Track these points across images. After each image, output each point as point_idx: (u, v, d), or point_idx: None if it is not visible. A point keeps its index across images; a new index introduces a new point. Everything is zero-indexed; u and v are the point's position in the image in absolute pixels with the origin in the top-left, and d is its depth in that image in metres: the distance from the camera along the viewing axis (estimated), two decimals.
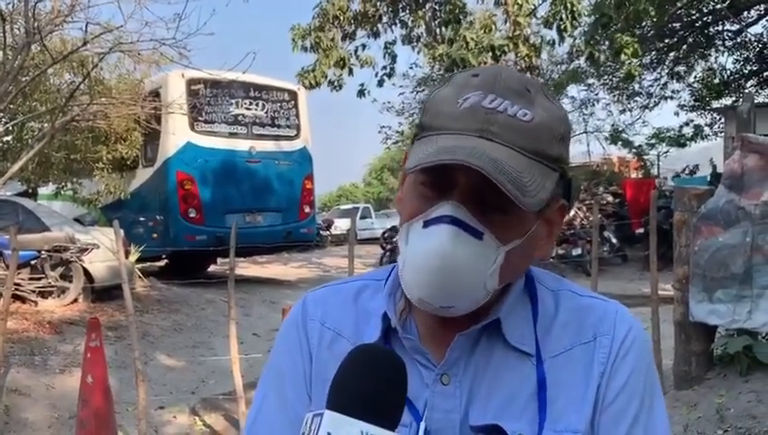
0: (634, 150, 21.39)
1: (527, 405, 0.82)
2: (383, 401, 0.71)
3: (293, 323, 0.93)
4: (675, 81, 18.91)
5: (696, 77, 18.95)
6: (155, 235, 11.03)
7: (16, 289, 6.81)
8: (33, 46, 7.01)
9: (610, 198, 15.02)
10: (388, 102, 20.97)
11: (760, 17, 15.98)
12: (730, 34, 17.14)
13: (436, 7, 13.21)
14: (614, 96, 20.22)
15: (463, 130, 0.78)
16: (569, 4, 11.00)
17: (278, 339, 0.95)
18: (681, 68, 18.33)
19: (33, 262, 7.65)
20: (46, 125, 8.04)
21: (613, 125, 21.56)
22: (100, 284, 8.35)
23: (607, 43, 12.61)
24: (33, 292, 7.69)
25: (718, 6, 15.28)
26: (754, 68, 17.51)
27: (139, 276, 9.80)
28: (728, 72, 18.14)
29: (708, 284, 4.51)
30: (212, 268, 12.45)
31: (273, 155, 11.69)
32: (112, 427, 4.59)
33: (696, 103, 19.67)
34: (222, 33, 7.77)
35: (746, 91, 16.30)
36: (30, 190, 11.63)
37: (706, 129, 20.43)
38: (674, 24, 15.85)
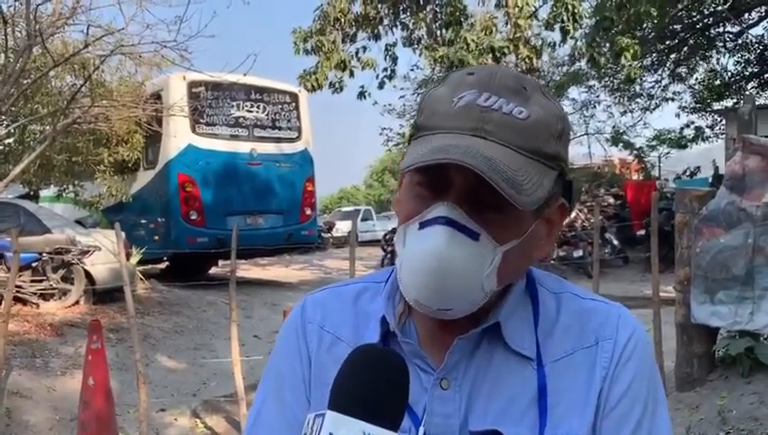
0: (635, 152, 21.38)
1: (528, 410, 0.81)
2: (385, 401, 0.70)
3: (293, 327, 0.92)
4: (676, 82, 18.92)
5: (696, 79, 18.96)
6: (156, 237, 11.04)
7: (18, 291, 6.81)
8: (35, 49, 7.02)
9: (611, 200, 15.01)
10: (389, 105, 20.98)
11: (761, 19, 15.99)
12: (731, 36, 17.15)
13: (437, 9, 13.22)
14: (615, 98, 20.22)
15: (457, 129, 0.77)
16: (570, 6, 11.00)
17: (278, 342, 0.94)
18: (682, 70, 18.34)
19: (34, 264, 7.66)
20: (48, 127, 8.04)
21: (614, 127, 21.56)
22: (101, 286, 8.35)
23: (608, 45, 12.61)
24: (35, 294, 7.69)
25: (719, 8, 15.28)
26: (755, 70, 17.51)
27: (141, 278, 9.81)
28: (729, 73, 18.15)
29: (710, 285, 4.51)
30: (213, 270, 12.44)
31: (274, 157, 11.69)
32: (113, 429, 4.59)
33: (697, 105, 19.68)
34: (223, 35, 7.77)
35: (747, 92, 16.30)
36: (31, 193, 11.64)
37: (707, 130, 20.44)
38: (675, 26, 15.86)
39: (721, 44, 17.39)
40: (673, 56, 17.51)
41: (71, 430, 5.04)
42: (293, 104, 12.04)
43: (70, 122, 7.90)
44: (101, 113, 8.65)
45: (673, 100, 19.80)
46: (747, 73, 17.76)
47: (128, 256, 7.92)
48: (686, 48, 17.13)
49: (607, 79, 18.51)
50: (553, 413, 0.81)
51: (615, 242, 13.14)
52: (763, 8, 15.28)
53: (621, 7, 11.72)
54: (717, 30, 16.93)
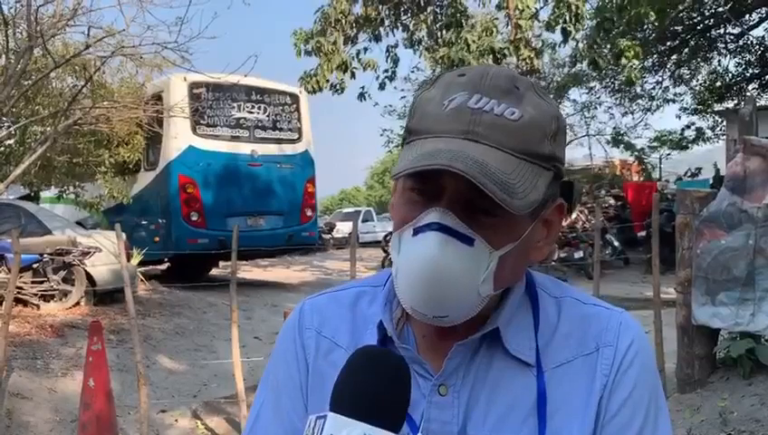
0: (636, 153, 21.39)
1: (527, 417, 0.80)
2: (386, 402, 0.70)
3: (290, 333, 0.92)
4: (677, 84, 18.92)
5: (697, 80, 18.96)
6: (157, 238, 11.05)
7: (18, 292, 6.82)
8: (36, 50, 7.02)
9: (612, 201, 15.02)
10: (390, 106, 21.02)
11: (761, 20, 15.99)
12: (732, 37, 17.15)
13: (438, 11, 13.23)
14: (616, 99, 20.24)
15: (448, 133, 0.76)
16: (573, 7, 11.00)
17: (275, 348, 0.94)
18: (683, 71, 18.34)
19: (35, 265, 7.66)
20: (49, 129, 8.04)
21: (615, 128, 21.57)
22: (102, 287, 8.35)
23: (608, 46, 12.61)
24: (36, 295, 7.70)
25: (720, 9, 15.28)
26: (756, 71, 17.51)
27: (141, 280, 9.81)
28: (730, 75, 18.15)
29: (711, 287, 4.50)
30: (214, 271, 12.45)
31: (274, 158, 11.70)
32: (114, 430, 4.59)
33: (698, 106, 19.69)
34: (224, 36, 7.76)
35: (748, 93, 16.31)
36: (32, 194, 11.66)
37: (708, 132, 20.46)
38: (675, 27, 15.86)
39: (722, 46, 17.40)
40: (674, 57, 17.51)
41: (71, 431, 5.04)
42: (294, 105, 12.05)
43: (71, 123, 7.90)
44: (102, 114, 8.65)
45: (674, 101, 19.83)
46: (748, 75, 17.77)
47: (128, 257, 7.92)
48: (686, 49, 17.12)
49: (608, 80, 18.53)
50: (553, 421, 0.80)
51: (616, 243, 13.15)
52: (764, 9, 15.28)
53: (622, 9, 11.73)
54: (718, 31, 16.93)
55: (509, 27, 12.60)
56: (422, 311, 0.78)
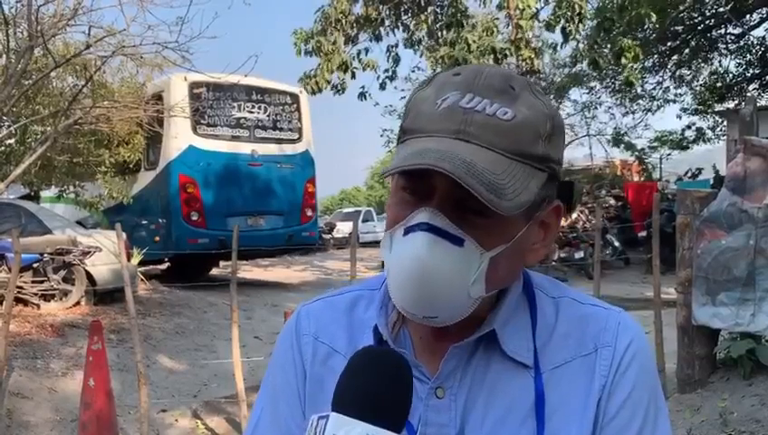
0: (636, 154, 21.39)
1: (525, 419, 0.80)
2: (387, 402, 0.70)
3: (287, 339, 0.92)
4: (677, 84, 18.92)
5: (698, 80, 18.96)
6: (157, 238, 11.05)
7: (19, 292, 6.82)
8: (36, 50, 7.02)
9: (613, 202, 15.03)
10: (390, 105, 21.02)
11: (762, 20, 15.98)
12: (732, 38, 17.14)
13: (438, 10, 13.22)
14: (616, 99, 20.23)
15: (440, 133, 0.75)
16: (576, 7, 10.99)
17: (273, 355, 0.94)
18: (684, 71, 18.34)
19: (35, 265, 7.66)
20: (49, 128, 8.04)
21: (615, 128, 21.57)
22: (102, 287, 8.35)
23: (609, 46, 12.62)
24: (36, 295, 7.70)
25: (720, 10, 15.27)
26: (757, 71, 17.51)
27: (142, 279, 9.81)
28: (731, 75, 18.14)
29: (711, 287, 4.50)
30: (214, 271, 12.45)
31: (275, 158, 11.71)
32: (114, 430, 4.59)
33: (699, 107, 19.68)
34: (224, 36, 7.76)
35: (749, 94, 16.30)
36: (33, 193, 11.65)
37: (709, 132, 20.45)
38: (676, 28, 15.85)
39: (722, 46, 17.39)
40: (674, 58, 17.51)
41: (71, 431, 5.04)
42: (294, 105, 12.06)
43: (71, 123, 7.90)
44: (103, 114, 8.65)
45: (674, 101, 19.82)
46: (749, 75, 17.76)
47: (128, 256, 7.92)
48: (687, 50, 17.12)
49: (608, 80, 18.52)
50: (551, 422, 0.79)
51: (616, 243, 13.15)
52: (765, 10, 15.28)
53: (623, 9, 11.73)
54: (719, 32, 16.92)
55: (509, 27, 12.60)
56: (412, 311, 0.77)
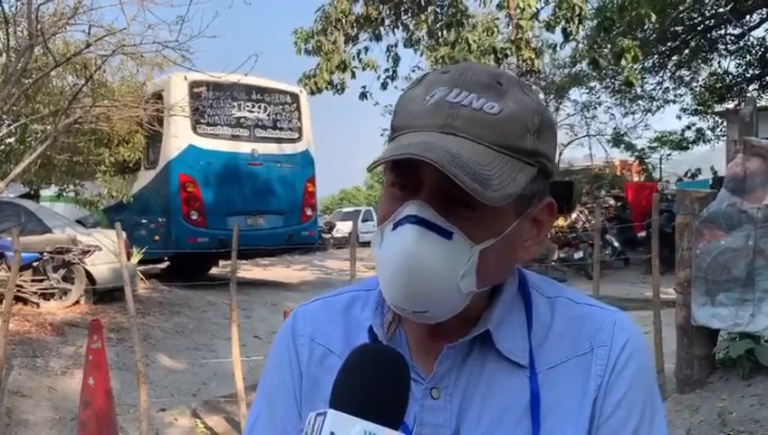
0: (636, 154, 21.41)
1: (521, 419, 0.79)
2: (385, 398, 0.70)
3: (284, 340, 0.92)
4: (677, 84, 18.93)
5: (698, 81, 18.97)
6: (157, 237, 11.05)
7: (18, 291, 6.82)
8: (37, 49, 7.02)
9: (612, 202, 15.03)
10: (390, 105, 20.99)
11: (762, 21, 15.98)
12: (732, 38, 17.15)
13: (438, 10, 13.22)
14: (616, 99, 20.25)
15: (427, 127, 0.76)
16: (577, 8, 10.99)
17: (270, 355, 0.94)
18: (683, 72, 18.34)
19: (35, 264, 7.66)
20: (49, 127, 8.04)
21: (615, 128, 21.61)
22: (101, 286, 8.35)
23: (609, 46, 12.62)
24: (35, 293, 7.70)
25: (720, 10, 15.28)
26: (756, 72, 17.51)
27: (141, 278, 9.81)
28: (730, 75, 18.14)
29: (710, 287, 4.51)
30: (214, 270, 12.45)
31: (275, 157, 11.70)
32: (113, 429, 4.59)
33: (699, 107, 19.69)
34: (224, 35, 7.77)
35: (748, 94, 16.31)
36: (32, 192, 11.66)
37: (709, 132, 20.47)
38: (676, 28, 15.86)
39: (722, 46, 17.39)
40: (674, 58, 17.51)
41: (71, 430, 5.04)
42: (294, 105, 12.06)
43: (71, 122, 7.90)
44: (103, 113, 8.65)
45: (674, 102, 19.84)
46: (748, 75, 17.76)
47: (128, 255, 7.92)
48: (687, 50, 17.12)
49: (608, 80, 18.53)
50: (546, 422, 0.79)
51: (616, 243, 13.15)
52: (765, 10, 15.28)
53: (623, 9, 11.73)
54: (719, 32, 16.93)
55: (510, 27, 12.60)
56: (401, 305, 0.77)
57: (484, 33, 11.91)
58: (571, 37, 11.75)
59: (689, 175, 16.41)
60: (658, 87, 18.99)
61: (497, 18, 12.83)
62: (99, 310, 8.01)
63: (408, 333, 0.85)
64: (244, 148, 11.40)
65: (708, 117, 19.97)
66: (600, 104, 21.27)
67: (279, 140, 11.87)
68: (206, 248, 10.43)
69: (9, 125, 8.49)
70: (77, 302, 8.05)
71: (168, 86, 10.55)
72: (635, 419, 0.80)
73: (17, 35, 7.47)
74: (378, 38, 13.19)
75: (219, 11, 7.26)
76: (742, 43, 17.21)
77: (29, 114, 8.63)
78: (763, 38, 17.02)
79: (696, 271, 4.59)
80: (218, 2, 7.52)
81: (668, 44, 16.61)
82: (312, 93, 12.55)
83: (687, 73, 18.50)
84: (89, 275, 8.19)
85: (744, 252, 4.38)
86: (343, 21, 12.53)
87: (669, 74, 18.30)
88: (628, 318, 0.87)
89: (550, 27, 11.92)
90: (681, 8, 14.73)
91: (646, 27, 13.99)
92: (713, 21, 16.19)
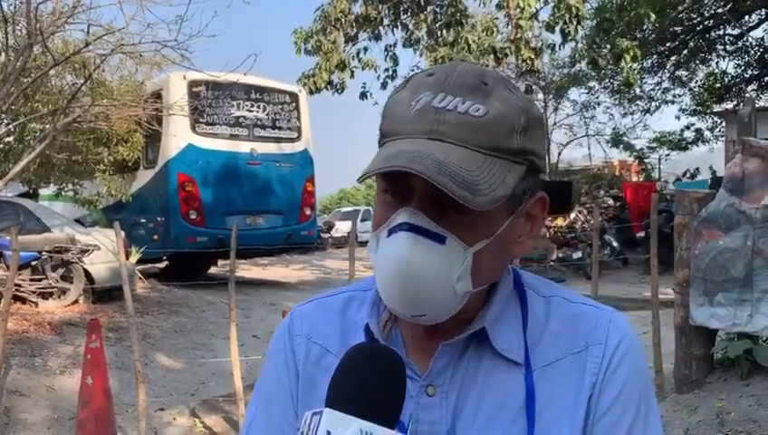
0: (635, 154, 21.42)
1: (517, 416, 0.80)
2: (382, 398, 0.70)
3: (280, 340, 0.92)
4: (676, 85, 18.93)
5: (697, 81, 18.98)
6: (156, 236, 11.04)
7: (17, 290, 6.81)
8: (35, 48, 7.02)
9: (611, 202, 15.04)
10: None
11: (761, 21, 15.99)
12: (731, 39, 17.16)
13: (438, 10, 13.23)
14: (615, 100, 20.25)
15: (413, 134, 0.77)
16: (574, 9, 11.01)
17: (267, 355, 0.94)
18: (682, 72, 18.35)
19: (33, 263, 7.65)
20: (48, 126, 8.04)
21: (614, 128, 21.60)
22: (100, 285, 8.35)
23: (608, 47, 12.63)
24: (34, 293, 7.69)
25: (719, 10, 15.29)
26: (755, 72, 17.52)
27: (140, 278, 9.81)
28: (729, 76, 18.16)
29: (709, 287, 4.51)
30: (212, 270, 12.45)
31: (274, 157, 11.70)
32: (112, 428, 4.59)
33: (698, 107, 19.70)
34: (224, 35, 7.78)
35: (747, 95, 16.32)
36: (31, 191, 11.64)
37: (707, 133, 20.48)
38: (675, 28, 15.87)
39: (721, 47, 17.40)
40: (673, 58, 17.52)
41: (69, 429, 5.04)
42: (294, 104, 12.05)
43: (70, 121, 7.90)
44: (102, 112, 8.65)
45: (673, 102, 19.84)
46: (747, 76, 17.77)
47: (127, 255, 7.92)
48: (686, 50, 17.13)
49: (607, 81, 18.54)
50: (541, 420, 0.80)
51: (614, 244, 13.15)
52: (764, 11, 15.29)
53: (622, 9, 11.74)
54: (717, 32, 16.94)
55: (509, 27, 12.61)
56: (400, 310, 0.79)
57: (484, 33, 11.93)
58: (570, 38, 11.77)
59: (688, 175, 16.41)
60: (657, 87, 19.00)
61: (497, 18, 12.84)
62: (97, 309, 8.00)
63: (403, 331, 0.86)
64: (244, 147, 11.40)
65: (707, 117, 19.97)
66: (599, 104, 21.27)
67: (278, 140, 11.86)
68: (205, 248, 10.43)
69: (8, 124, 8.49)
70: (76, 301, 8.04)
71: (167, 85, 10.54)
72: (630, 416, 0.81)
73: (16, 34, 7.47)
74: (377, 38, 13.21)
75: (218, 10, 7.28)
76: (740, 44, 17.22)
77: (28, 113, 8.63)
78: (762, 39, 17.03)
79: (695, 271, 4.59)
80: (217, 1, 7.54)
81: (667, 45, 16.62)
82: (312, 93, 12.55)
83: (686, 74, 18.51)
84: (87, 274, 8.18)
85: (743, 252, 4.39)
86: (342, 20, 12.54)
87: (668, 74, 18.31)
88: (624, 317, 0.87)
89: (549, 27, 11.93)
90: (680, 8, 14.74)
91: (645, 27, 14.01)
92: (712, 21, 16.20)
